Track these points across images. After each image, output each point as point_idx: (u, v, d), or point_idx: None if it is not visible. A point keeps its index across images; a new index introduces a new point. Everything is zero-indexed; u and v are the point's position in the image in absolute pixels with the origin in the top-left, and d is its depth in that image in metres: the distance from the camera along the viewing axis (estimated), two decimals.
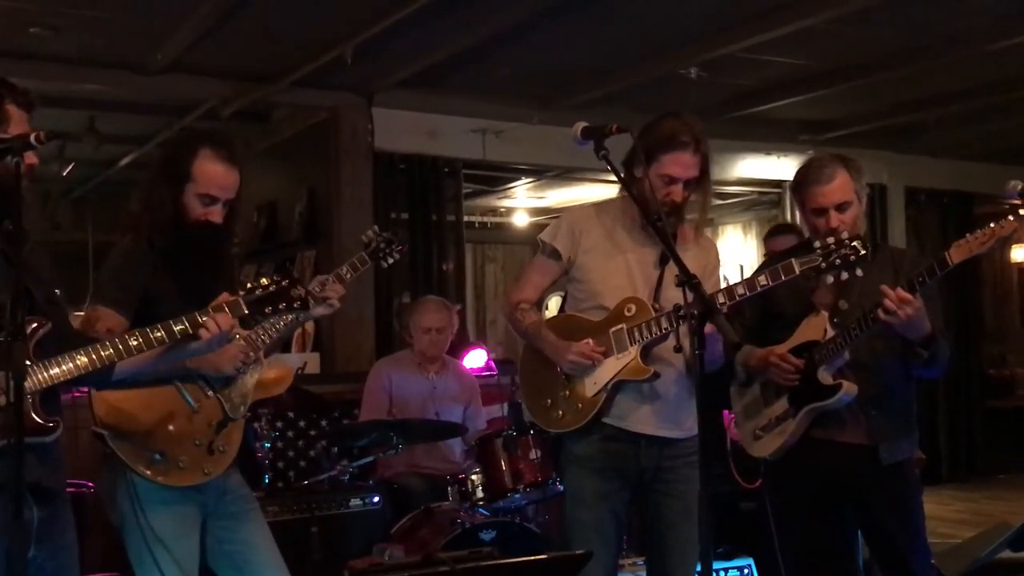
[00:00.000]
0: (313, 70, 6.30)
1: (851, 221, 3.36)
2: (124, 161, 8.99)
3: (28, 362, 2.33)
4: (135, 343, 2.51)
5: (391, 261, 3.63)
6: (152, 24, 5.70)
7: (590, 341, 3.33)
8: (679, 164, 3.25)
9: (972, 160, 9.54)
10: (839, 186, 3.37)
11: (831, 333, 3.34)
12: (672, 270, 3.27)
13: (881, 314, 3.15)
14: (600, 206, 3.58)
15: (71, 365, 2.41)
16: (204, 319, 2.60)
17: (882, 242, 7.64)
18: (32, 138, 2.31)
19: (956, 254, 3.13)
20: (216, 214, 3.10)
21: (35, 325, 2.39)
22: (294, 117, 7.68)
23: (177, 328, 2.57)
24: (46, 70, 6.16)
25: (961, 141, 8.92)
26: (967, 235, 3.13)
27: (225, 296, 2.67)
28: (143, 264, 3.03)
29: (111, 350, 2.47)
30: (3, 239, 2.42)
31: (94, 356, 2.44)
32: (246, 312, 2.65)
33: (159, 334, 2.54)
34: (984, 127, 8.37)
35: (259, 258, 8.19)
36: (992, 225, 3.09)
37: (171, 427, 2.99)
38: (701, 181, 3.34)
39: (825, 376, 3.33)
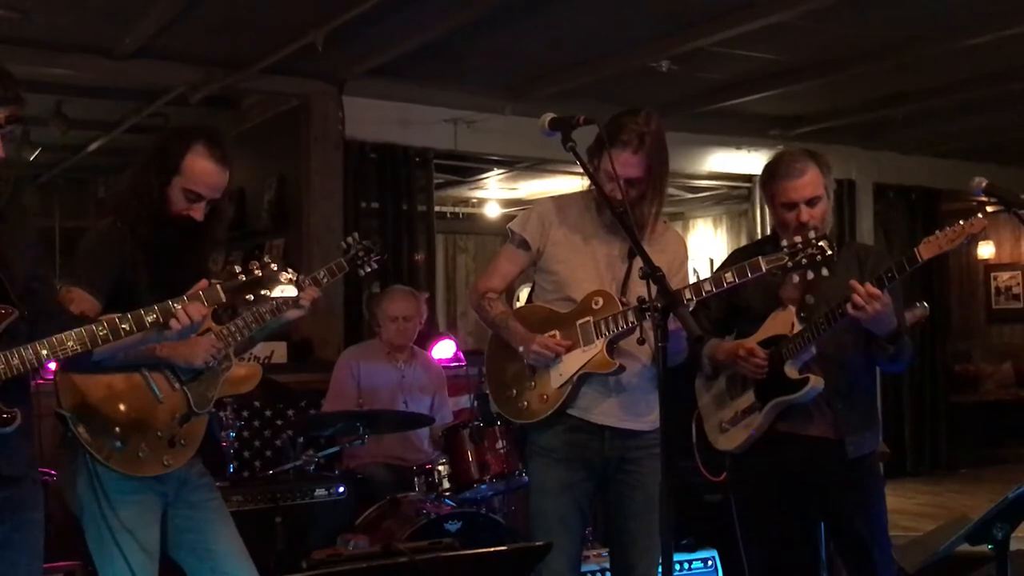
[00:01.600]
0: (284, 57, 6.25)
1: (820, 216, 3.38)
2: (92, 147, 8.89)
3: None
4: (103, 332, 2.48)
5: (368, 270, 3.60)
6: (121, 8, 5.63)
7: (556, 333, 3.34)
8: (619, 162, 3.21)
9: (940, 157, 9.63)
10: (810, 181, 3.38)
11: (798, 327, 3.35)
12: (639, 264, 3.28)
13: (850, 309, 3.16)
14: (569, 198, 3.58)
15: (32, 356, 2.38)
16: (176, 308, 2.56)
17: (849, 239, 7.70)
18: None
19: (926, 250, 3.16)
20: (198, 211, 3.08)
21: (2, 312, 2.38)
22: (264, 104, 7.62)
23: (148, 319, 2.54)
24: (13, 54, 6.06)
25: (929, 138, 9.00)
26: (936, 232, 3.16)
27: (203, 283, 2.63)
28: (120, 248, 3.00)
29: (74, 341, 2.44)
30: None
31: (57, 347, 2.42)
32: (223, 300, 2.61)
33: (126, 325, 2.51)
34: (952, 124, 8.43)
35: (227, 246, 8.12)
36: (962, 222, 3.12)
37: (135, 416, 2.96)
38: (649, 181, 3.29)
39: (792, 370, 3.35)
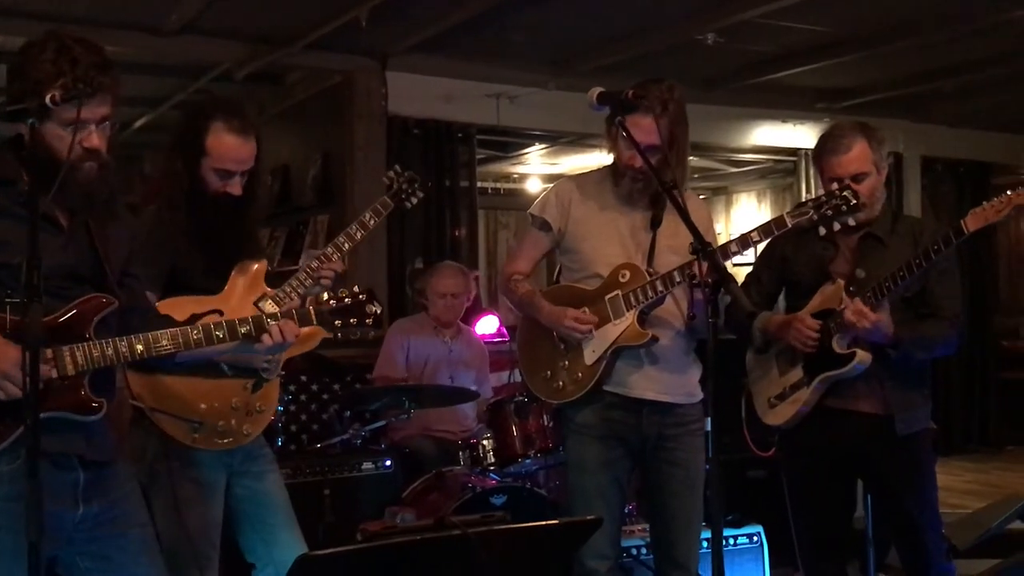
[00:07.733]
0: (328, 33, 6.26)
1: (868, 191, 3.33)
2: (138, 123, 8.97)
3: (87, 337, 2.36)
4: (196, 337, 2.50)
5: (414, 201, 3.55)
6: None
7: (586, 311, 3.32)
8: (636, 127, 3.15)
9: (989, 130, 9.45)
10: (856, 156, 3.35)
11: (848, 302, 3.32)
12: (664, 234, 3.31)
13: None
14: (587, 175, 3.56)
15: (126, 349, 2.42)
16: (270, 324, 2.59)
17: (900, 212, 7.60)
18: (47, 99, 2.29)
19: (972, 222, 3.14)
20: (235, 187, 3.08)
21: (103, 301, 2.41)
22: (308, 80, 7.65)
23: (242, 330, 2.57)
24: (60, 31, 6.12)
25: (979, 110, 8.83)
26: (984, 203, 3.15)
27: (296, 303, 2.66)
28: (170, 236, 3.01)
29: (168, 341, 2.47)
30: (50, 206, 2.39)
31: (152, 345, 2.45)
32: (315, 323, 2.64)
33: (220, 332, 2.54)
34: (1002, 96, 8.27)
35: (272, 222, 8.19)
36: (1009, 193, 3.11)
37: (207, 395, 2.99)
38: (671, 149, 3.20)
39: (840, 345, 3.32)
